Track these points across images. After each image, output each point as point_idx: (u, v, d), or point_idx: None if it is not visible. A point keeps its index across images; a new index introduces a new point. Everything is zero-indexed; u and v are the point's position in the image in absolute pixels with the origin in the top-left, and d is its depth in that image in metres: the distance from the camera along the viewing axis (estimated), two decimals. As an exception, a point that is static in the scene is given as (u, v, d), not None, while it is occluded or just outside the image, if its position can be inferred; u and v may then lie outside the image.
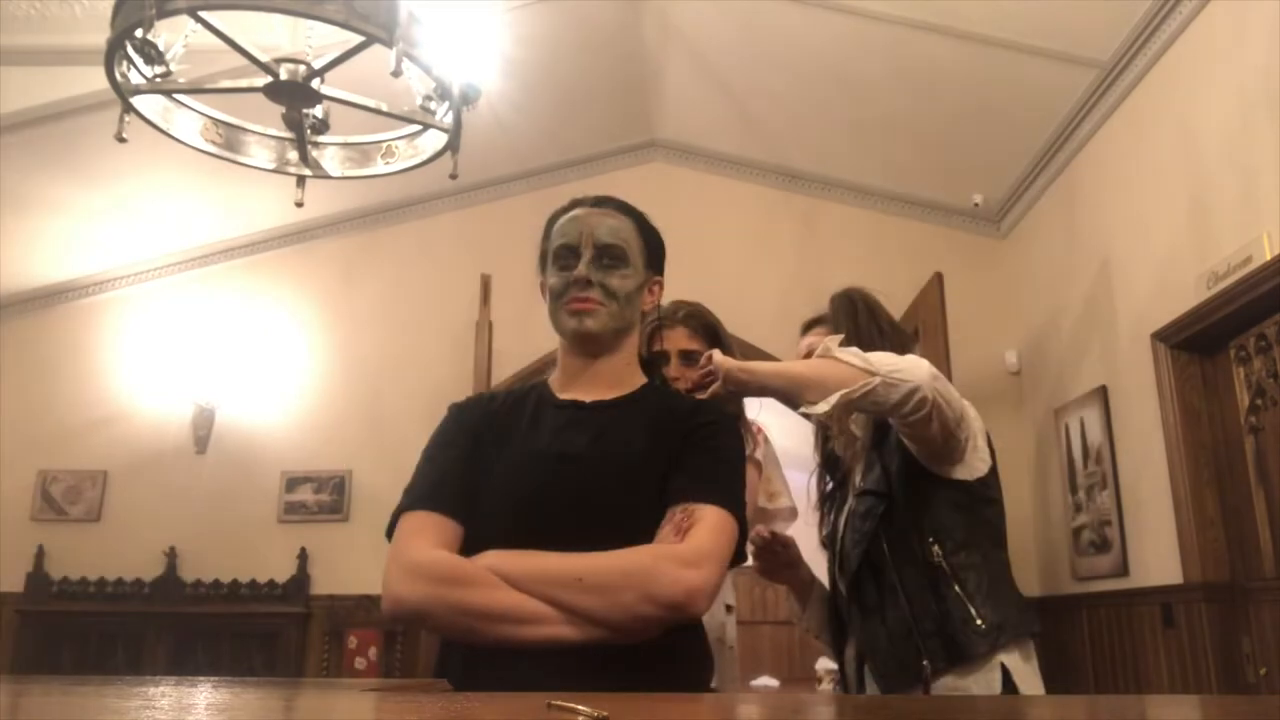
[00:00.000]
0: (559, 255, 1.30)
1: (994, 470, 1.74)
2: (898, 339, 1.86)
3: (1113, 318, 3.70)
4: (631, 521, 1.15)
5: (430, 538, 1.16)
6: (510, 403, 1.32)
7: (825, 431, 1.90)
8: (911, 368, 1.55)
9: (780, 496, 2.09)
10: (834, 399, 1.50)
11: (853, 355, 1.53)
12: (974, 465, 1.70)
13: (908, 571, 1.67)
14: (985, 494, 1.72)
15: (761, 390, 1.52)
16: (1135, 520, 3.54)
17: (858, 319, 1.85)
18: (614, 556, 1.10)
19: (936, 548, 1.66)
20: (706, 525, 1.13)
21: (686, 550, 1.10)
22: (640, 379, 1.35)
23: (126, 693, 1.06)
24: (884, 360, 1.54)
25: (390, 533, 1.22)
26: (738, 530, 1.18)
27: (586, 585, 1.08)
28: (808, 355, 1.88)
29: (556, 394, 1.31)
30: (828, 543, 1.90)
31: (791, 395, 1.53)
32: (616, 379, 1.31)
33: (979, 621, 1.61)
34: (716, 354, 1.48)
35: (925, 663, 1.61)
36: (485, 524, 1.18)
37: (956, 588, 1.64)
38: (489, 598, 1.09)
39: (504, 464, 1.22)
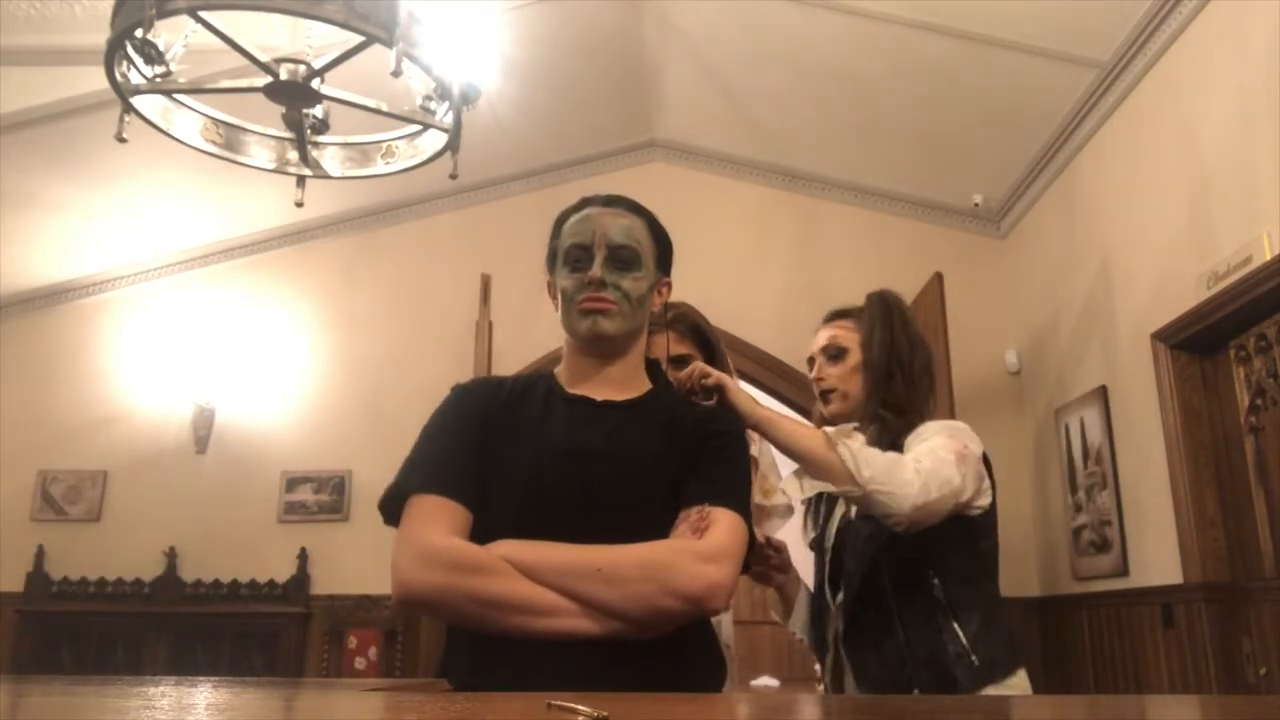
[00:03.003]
0: (571, 255, 1.28)
1: (994, 503, 1.73)
2: (922, 355, 1.83)
3: (1113, 318, 3.70)
4: (643, 520, 1.15)
5: (443, 524, 1.14)
6: (518, 391, 1.29)
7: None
8: (899, 492, 1.52)
9: (776, 493, 2.08)
10: (811, 489, 1.54)
11: (850, 456, 1.51)
12: (979, 501, 1.69)
13: (906, 601, 1.67)
14: (985, 526, 1.72)
15: (754, 428, 1.53)
16: (1135, 520, 3.54)
17: (893, 323, 1.81)
18: (632, 549, 1.10)
19: (937, 580, 1.66)
20: (723, 525, 1.14)
21: (705, 546, 1.11)
22: (647, 383, 1.34)
23: (126, 693, 1.06)
24: (878, 473, 1.52)
25: (384, 508, 1.20)
26: (748, 537, 1.19)
27: (605, 577, 1.08)
28: (826, 348, 1.86)
29: (565, 388, 1.30)
30: (815, 546, 1.90)
31: (780, 451, 1.57)
32: (625, 381, 1.30)
33: (974, 658, 1.61)
34: (701, 368, 1.49)
35: (916, 691, 1.62)
36: (496, 514, 1.17)
37: (955, 623, 1.64)
38: (505, 587, 1.08)
39: (516, 455, 1.21)
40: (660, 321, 1.82)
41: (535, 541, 1.12)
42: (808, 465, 1.55)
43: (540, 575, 1.09)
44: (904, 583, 1.67)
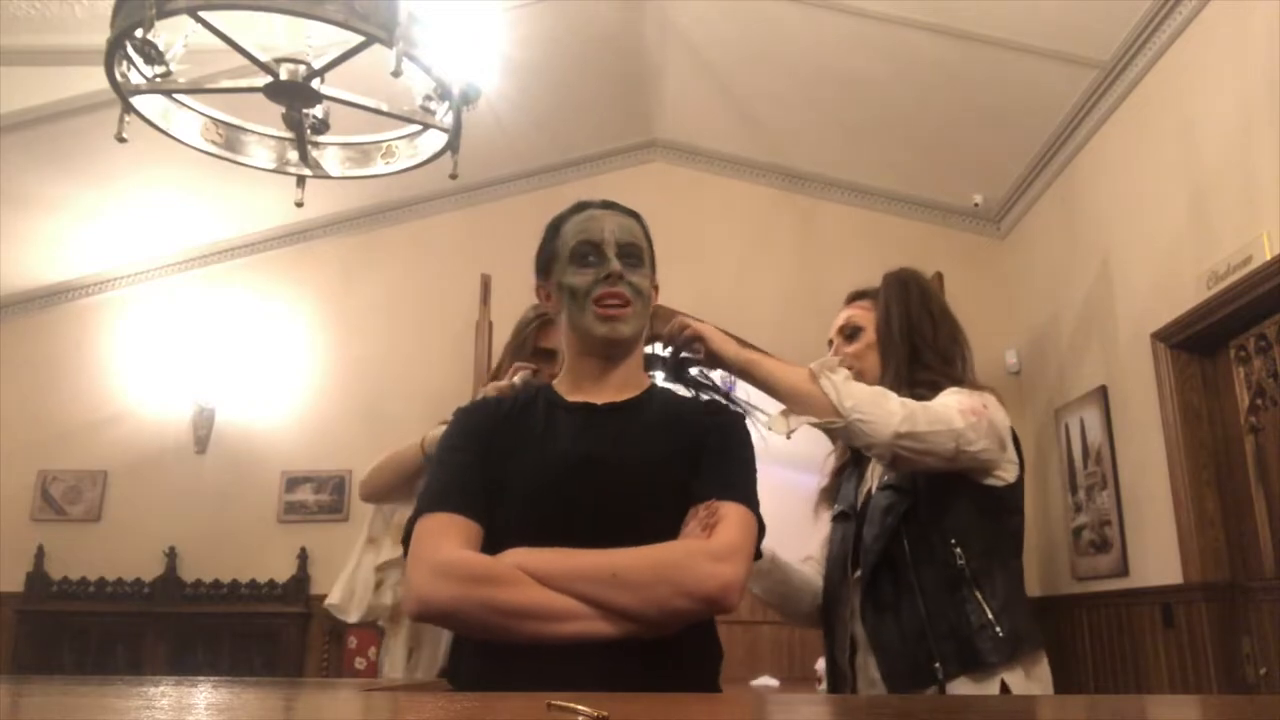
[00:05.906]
0: (580, 253, 1.29)
1: (1021, 479, 1.71)
2: (949, 328, 1.84)
3: (1113, 318, 3.70)
4: (652, 524, 1.16)
5: (454, 538, 1.15)
6: (519, 406, 1.31)
7: None
8: (881, 420, 1.53)
9: None
10: (797, 424, 1.55)
11: (833, 387, 1.53)
12: (1004, 473, 1.68)
13: (927, 572, 1.64)
14: (1011, 502, 1.70)
15: (739, 374, 1.56)
16: (1135, 520, 3.54)
17: (909, 301, 1.82)
18: (645, 552, 1.11)
19: (960, 550, 1.63)
20: (732, 521, 1.15)
21: (717, 545, 1.12)
22: (645, 380, 1.36)
23: (126, 693, 1.06)
24: (860, 402, 1.54)
25: (406, 540, 1.21)
26: (757, 530, 1.20)
27: (620, 581, 1.08)
28: (843, 328, 1.90)
29: (565, 397, 1.31)
30: (844, 518, 1.85)
31: (765, 391, 1.58)
32: (626, 381, 1.31)
33: (998, 628, 1.58)
34: (682, 321, 1.52)
35: (937, 665, 1.59)
36: (506, 528, 1.17)
37: (978, 593, 1.61)
38: (520, 595, 1.08)
39: (523, 468, 1.22)
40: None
41: (547, 548, 1.12)
42: (792, 400, 1.57)
43: (554, 581, 1.09)
44: (924, 553, 1.65)
